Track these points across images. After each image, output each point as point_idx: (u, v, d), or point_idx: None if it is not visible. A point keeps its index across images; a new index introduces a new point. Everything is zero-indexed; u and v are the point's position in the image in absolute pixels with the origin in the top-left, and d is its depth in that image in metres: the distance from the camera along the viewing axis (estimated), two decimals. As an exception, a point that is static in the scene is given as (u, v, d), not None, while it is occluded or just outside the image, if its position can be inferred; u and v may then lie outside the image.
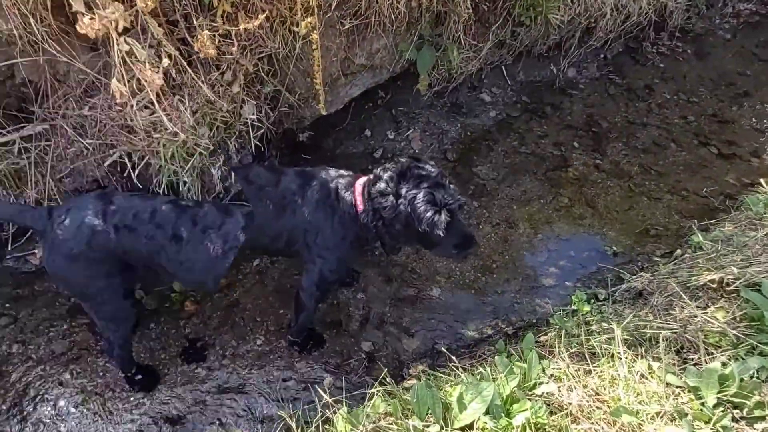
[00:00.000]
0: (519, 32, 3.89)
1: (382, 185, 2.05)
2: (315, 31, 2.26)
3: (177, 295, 2.83)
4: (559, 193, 3.53)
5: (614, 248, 3.22)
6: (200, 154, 2.66)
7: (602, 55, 4.58)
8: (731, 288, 2.33)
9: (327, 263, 2.24)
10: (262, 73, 2.61)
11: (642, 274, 2.77)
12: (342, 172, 2.24)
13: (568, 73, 4.41)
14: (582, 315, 2.53)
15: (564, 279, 3.03)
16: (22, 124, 2.56)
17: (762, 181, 3.39)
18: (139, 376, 2.45)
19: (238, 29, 2.33)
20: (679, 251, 2.94)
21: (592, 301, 2.71)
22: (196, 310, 2.80)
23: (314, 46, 2.33)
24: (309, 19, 2.21)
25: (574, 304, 2.61)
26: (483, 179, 3.57)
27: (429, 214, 1.98)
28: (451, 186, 2.07)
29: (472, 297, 2.93)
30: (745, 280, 2.26)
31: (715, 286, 2.42)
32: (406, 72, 3.60)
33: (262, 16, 2.14)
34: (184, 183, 2.78)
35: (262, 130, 2.79)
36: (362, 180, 2.18)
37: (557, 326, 2.48)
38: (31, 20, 2.17)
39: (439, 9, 3.19)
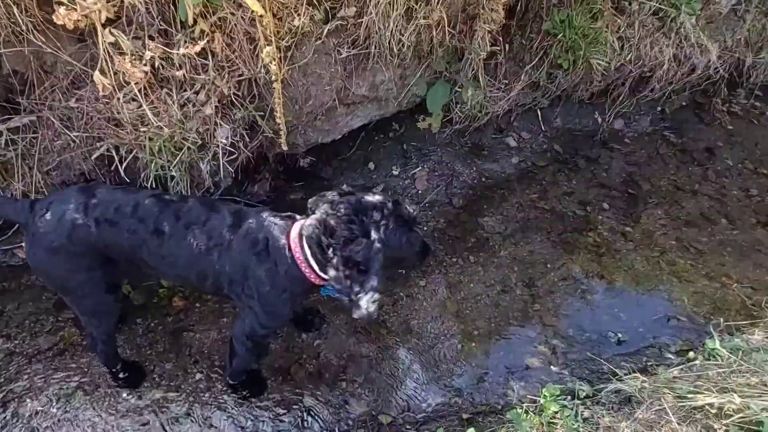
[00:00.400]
0: (556, 75, 3.54)
1: (344, 231, 1.79)
2: (274, 63, 2.10)
3: (165, 290, 2.75)
4: (570, 260, 3.13)
5: (620, 335, 2.78)
6: (188, 148, 2.55)
7: (659, 108, 4.08)
8: (731, 420, 1.88)
9: (258, 316, 2.07)
10: (241, 98, 2.49)
11: (637, 375, 2.34)
12: (276, 216, 2.03)
13: (614, 125, 3.97)
14: (547, 415, 2.16)
15: (551, 363, 2.65)
16: (8, 116, 2.58)
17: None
18: (124, 373, 2.42)
19: (212, 48, 2.22)
20: (692, 353, 2.47)
21: (569, 398, 2.32)
22: (184, 306, 2.72)
23: (274, 78, 2.17)
24: (268, 49, 2.05)
25: (543, 398, 2.24)
26: (488, 232, 3.24)
27: (405, 237, 1.90)
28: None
29: (440, 365, 2.63)
30: (744, 416, 1.81)
31: (714, 411, 1.97)
32: (423, 106, 3.37)
33: (201, 43, 2.01)
34: (172, 177, 2.70)
35: (236, 155, 2.67)
36: (298, 226, 1.95)
37: (512, 424, 2.13)
38: (15, 10, 2.16)
39: (454, 44, 2.94)
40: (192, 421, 2.35)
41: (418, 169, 3.46)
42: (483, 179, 3.53)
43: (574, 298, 2.97)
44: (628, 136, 3.94)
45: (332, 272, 1.79)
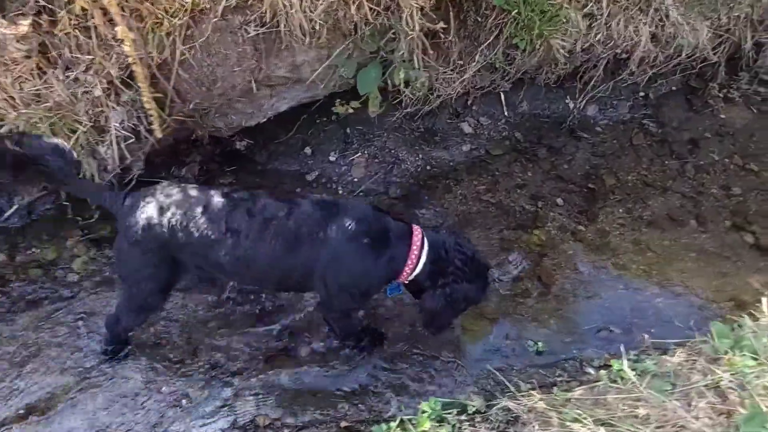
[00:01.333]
0: (514, 56, 3.24)
1: (457, 271, 2.14)
2: (128, 41, 1.97)
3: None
4: (507, 260, 2.91)
5: (539, 344, 2.56)
6: (84, 132, 2.49)
7: (642, 94, 3.70)
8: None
9: (342, 301, 2.22)
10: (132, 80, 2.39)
11: (532, 394, 2.14)
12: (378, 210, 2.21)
13: (586, 111, 3.63)
14: None
15: (454, 375, 2.46)
16: None
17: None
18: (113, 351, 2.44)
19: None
20: (602, 372, 2.23)
21: (453, 413, 2.15)
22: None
23: (131, 60, 2.04)
24: (120, 28, 1.92)
25: (422, 413, 2.09)
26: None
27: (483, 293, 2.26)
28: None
29: (337, 366, 2.50)
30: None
31: (589, 445, 1.77)
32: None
33: (26, 23, 1.90)
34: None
35: (143, 140, 2.58)
36: (420, 232, 2.17)
37: (376, 439, 2.00)
38: None
39: (382, 22, 2.71)
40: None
41: (357, 155, 3.28)
42: (428, 168, 3.32)
43: (502, 301, 2.75)
44: (601, 124, 3.60)
45: (437, 290, 2.16)
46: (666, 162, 3.41)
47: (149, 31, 2.28)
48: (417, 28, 2.70)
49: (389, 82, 2.96)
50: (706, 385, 1.91)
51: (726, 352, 2.02)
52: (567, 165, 3.39)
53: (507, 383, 2.23)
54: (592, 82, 3.50)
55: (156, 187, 2.07)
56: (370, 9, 2.58)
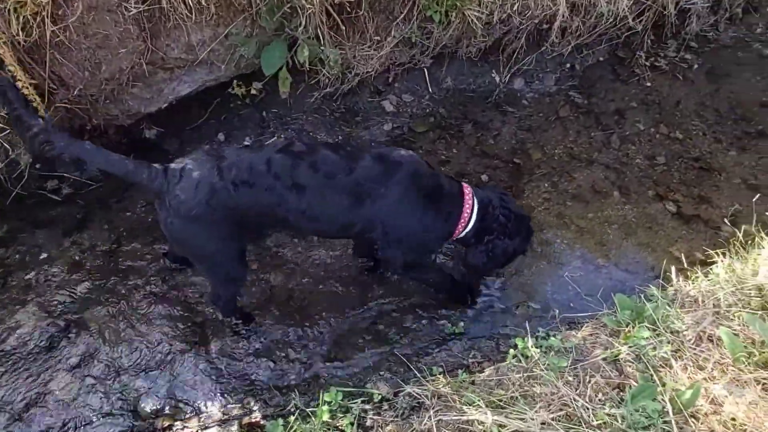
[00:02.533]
0: (431, 29, 3.13)
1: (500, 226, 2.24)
2: None
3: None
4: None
5: (455, 327, 2.48)
6: None
7: (568, 65, 3.63)
8: (486, 442, 1.60)
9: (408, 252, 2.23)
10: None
11: (438, 378, 2.06)
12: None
13: (513, 84, 3.54)
14: (315, 425, 1.91)
15: (363, 363, 2.36)
16: None
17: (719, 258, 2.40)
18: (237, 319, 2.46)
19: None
20: (511, 351, 2.16)
21: (358, 402, 2.06)
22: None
23: None
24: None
25: (321, 404, 1.99)
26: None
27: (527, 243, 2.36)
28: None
29: (243, 359, 2.38)
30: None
31: (481, 428, 1.70)
32: (293, 68, 3.01)
33: None
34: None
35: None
36: (470, 190, 2.21)
37: (269, 435, 1.89)
38: None
39: (280, -4, 2.56)
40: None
41: (273, 139, 3.13)
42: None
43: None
44: (528, 98, 3.52)
45: (480, 246, 2.25)
46: (592, 134, 3.36)
47: (10, 12, 2.09)
48: (317, 2, 2.55)
49: (298, 61, 2.81)
50: (605, 359, 1.86)
51: (627, 324, 1.97)
52: (493, 140, 3.31)
53: (412, 368, 2.15)
54: (515, 55, 3.41)
55: (195, 154, 1.97)
56: (263, -18, 2.43)
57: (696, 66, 3.69)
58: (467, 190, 2.21)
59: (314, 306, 2.55)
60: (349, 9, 2.87)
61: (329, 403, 2.02)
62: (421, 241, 2.22)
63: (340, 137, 3.22)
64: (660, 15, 3.57)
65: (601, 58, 3.71)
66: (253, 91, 2.98)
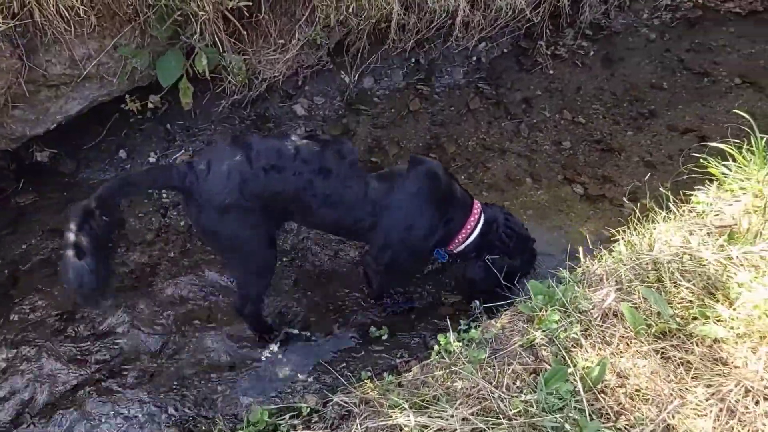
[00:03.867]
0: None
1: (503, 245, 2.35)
2: None
3: None
4: (341, 241, 2.80)
5: (382, 330, 2.49)
6: None
7: (475, 58, 3.72)
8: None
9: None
10: None
11: (365, 383, 2.05)
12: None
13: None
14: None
15: (298, 371, 2.32)
16: None
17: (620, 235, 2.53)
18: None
19: None
20: (435, 348, 2.19)
21: (286, 418, 2.01)
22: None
23: None
24: None
25: (247, 425, 1.93)
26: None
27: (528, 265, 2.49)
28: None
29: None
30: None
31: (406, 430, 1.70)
32: (195, 77, 2.87)
33: None
34: None
35: None
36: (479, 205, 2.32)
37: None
38: None
39: (170, 4, 2.43)
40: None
41: (180, 152, 3.00)
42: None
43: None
44: (439, 92, 3.57)
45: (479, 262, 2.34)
46: (502, 124, 3.46)
47: None
48: (210, 8, 2.45)
49: (197, 71, 2.69)
50: (521, 345, 1.92)
51: (541, 309, 2.04)
52: (413, 136, 3.33)
53: (339, 377, 2.13)
54: (415, 49, 3.45)
55: (218, 146, 2.08)
56: (148, -11, 2.30)
57: (592, 53, 3.89)
58: (477, 204, 2.32)
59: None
60: (248, 13, 2.78)
61: (255, 423, 1.96)
62: (415, 236, 2.22)
63: (252, 145, 3.12)
64: (555, 6, 3.72)
65: (505, 50, 3.82)
66: (150, 105, 2.81)
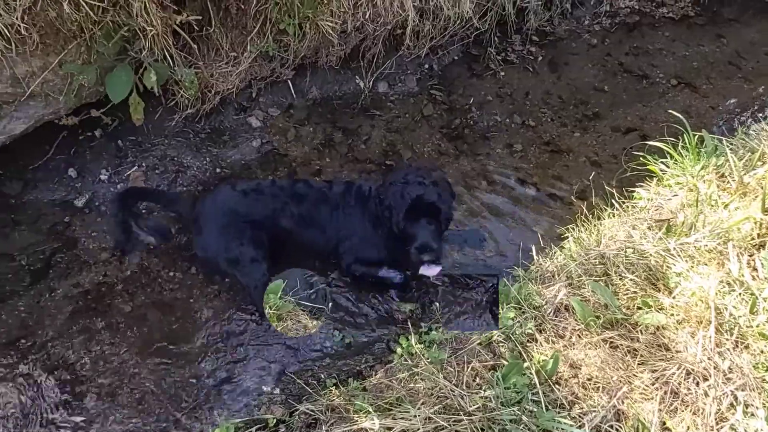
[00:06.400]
0: (287, 41, 3.11)
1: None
2: None
3: None
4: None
5: (346, 337, 2.51)
6: None
7: (427, 66, 3.81)
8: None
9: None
10: None
11: (331, 390, 2.07)
12: None
13: (378, 88, 3.65)
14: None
15: (263, 382, 2.32)
16: None
17: (570, 232, 2.65)
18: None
19: None
20: (399, 350, 2.23)
21: (253, 431, 2.01)
22: None
23: None
24: None
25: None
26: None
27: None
28: None
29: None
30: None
31: (373, 435, 1.74)
32: (146, 92, 2.83)
33: None
34: None
35: None
36: None
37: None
38: None
39: (116, 20, 2.40)
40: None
41: (133, 169, 2.94)
42: (218, 170, 3.09)
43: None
44: (393, 99, 3.64)
45: None
46: (458, 130, 3.56)
47: None
48: (158, 23, 2.43)
49: (148, 86, 2.66)
50: (480, 344, 1.99)
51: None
52: (364, 145, 3.38)
53: (304, 385, 2.14)
54: (375, 60, 3.51)
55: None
56: (92, 6, 2.26)
57: (540, 57, 4.05)
58: None
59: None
60: (197, 27, 2.77)
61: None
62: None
63: (207, 159, 3.10)
64: (501, 14, 3.86)
65: (455, 57, 3.93)
66: (71, 122, 2.72)
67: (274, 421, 2.06)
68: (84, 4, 2.20)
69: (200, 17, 2.74)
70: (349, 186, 2.64)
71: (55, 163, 2.89)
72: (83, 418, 2.18)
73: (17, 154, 2.80)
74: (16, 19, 2.08)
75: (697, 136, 2.63)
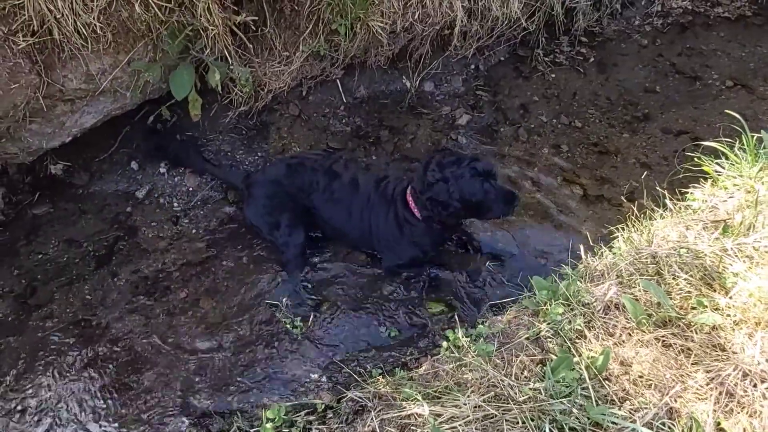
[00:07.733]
0: (338, 41, 3.20)
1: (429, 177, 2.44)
2: None
3: None
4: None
5: (392, 331, 2.56)
6: None
7: (473, 66, 3.83)
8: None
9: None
10: None
11: (378, 379, 2.12)
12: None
13: (424, 87, 3.69)
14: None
15: (310, 371, 2.39)
16: None
17: (620, 232, 2.61)
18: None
19: None
20: (444, 343, 2.26)
21: (302, 414, 2.08)
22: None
23: None
24: None
25: (268, 419, 1.99)
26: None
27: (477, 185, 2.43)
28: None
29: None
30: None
31: (421, 420, 1.77)
32: (203, 89, 2.97)
33: None
34: None
35: None
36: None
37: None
38: None
39: (179, 20, 2.53)
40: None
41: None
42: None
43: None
44: (439, 99, 3.68)
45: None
46: (501, 129, 3.56)
47: None
48: (219, 22, 2.55)
49: (209, 84, 2.79)
50: (528, 338, 2.00)
51: (545, 303, 2.12)
52: (410, 143, 3.42)
53: (352, 374, 2.20)
54: (422, 60, 3.56)
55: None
56: (160, 6, 2.39)
57: (591, 59, 4.00)
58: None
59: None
60: (254, 27, 2.89)
61: (273, 420, 2.03)
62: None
63: (259, 154, 3.22)
64: (549, 15, 3.84)
65: (502, 58, 3.93)
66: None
67: (323, 406, 2.13)
68: (153, 4, 2.34)
69: (256, 18, 2.86)
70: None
71: (119, 156, 3.06)
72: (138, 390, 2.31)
73: (86, 147, 2.98)
74: (93, 18, 2.22)
75: (755, 137, 2.56)
